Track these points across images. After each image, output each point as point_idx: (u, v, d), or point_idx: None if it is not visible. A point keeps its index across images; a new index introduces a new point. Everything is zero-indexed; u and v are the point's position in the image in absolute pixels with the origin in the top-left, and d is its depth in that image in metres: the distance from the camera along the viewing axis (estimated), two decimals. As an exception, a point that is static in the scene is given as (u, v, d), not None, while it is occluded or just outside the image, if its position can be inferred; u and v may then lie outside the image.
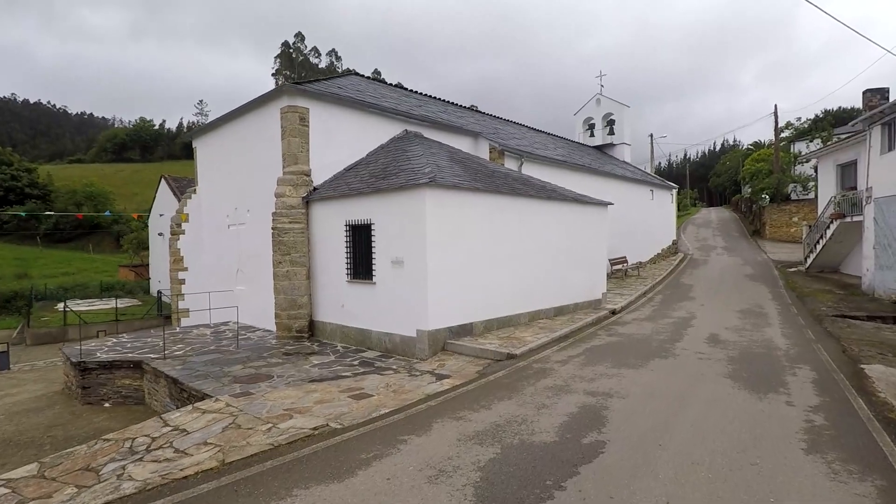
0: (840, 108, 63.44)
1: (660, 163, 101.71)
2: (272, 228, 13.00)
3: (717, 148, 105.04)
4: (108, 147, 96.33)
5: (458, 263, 11.00)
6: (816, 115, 49.06)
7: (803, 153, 32.17)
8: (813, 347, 10.22)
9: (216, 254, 16.74)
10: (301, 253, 12.92)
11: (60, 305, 27.95)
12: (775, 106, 36.23)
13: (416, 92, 19.53)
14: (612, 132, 31.09)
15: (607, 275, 22.70)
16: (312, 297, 13.15)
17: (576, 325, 12.51)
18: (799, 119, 44.77)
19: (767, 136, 68.18)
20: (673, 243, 31.14)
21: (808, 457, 5.14)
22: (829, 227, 20.56)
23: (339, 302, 12.40)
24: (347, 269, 12.10)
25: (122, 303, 26.82)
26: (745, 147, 74.18)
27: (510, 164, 17.94)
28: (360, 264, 11.82)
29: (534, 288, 13.10)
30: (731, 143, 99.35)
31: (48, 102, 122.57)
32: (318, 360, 10.60)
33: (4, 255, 48.22)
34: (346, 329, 12.21)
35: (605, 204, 15.91)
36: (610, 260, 22.56)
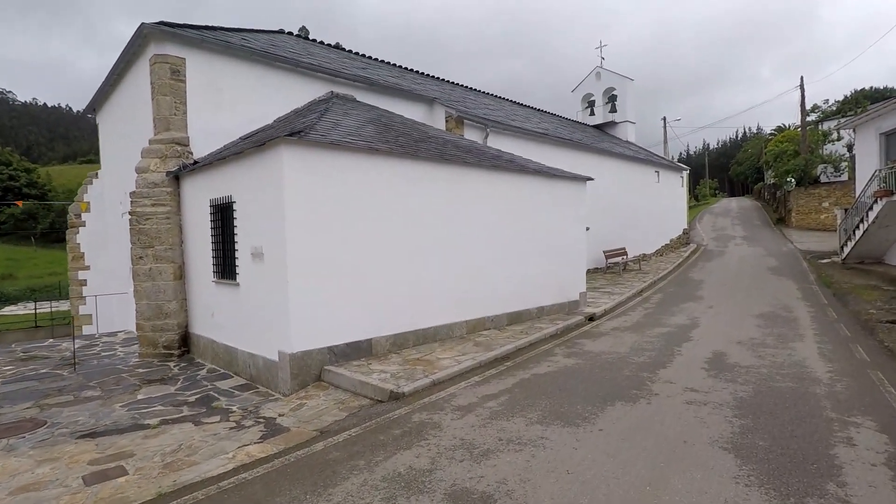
0: (872, 87, 57.75)
1: (680, 153, 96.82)
2: (129, 213, 9.77)
3: (739, 136, 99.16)
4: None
5: (349, 256, 7.61)
6: (845, 97, 43.90)
7: (834, 127, 27.73)
8: (871, 379, 6.52)
9: (118, 249, 13.65)
10: (168, 245, 9.66)
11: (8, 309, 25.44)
12: (801, 79, 31.73)
13: (363, 55, 16.11)
14: (613, 109, 27.19)
15: (601, 270, 19.04)
16: (188, 303, 9.90)
17: (528, 338, 8.98)
18: (826, 101, 39.91)
19: (791, 120, 62.86)
20: (684, 233, 27.12)
21: None
22: (871, 208, 16.46)
23: (210, 310, 9.12)
24: (214, 264, 8.81)
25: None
26: (767, 134, 68.81)
27: (472, 135, 14.41)
28: (226, 258, 8.51)
29: (475, 288, 9.60)
30: (754, 130, 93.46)
31: (66, 106, 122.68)
32: (149, 394, 7.35)
33: (-4, 255, 46.62)
34: (215, 346, 8.93)
35: (582, 179, 12.27)
36: (605, 252, 18.86)
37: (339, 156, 7.55)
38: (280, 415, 6.19)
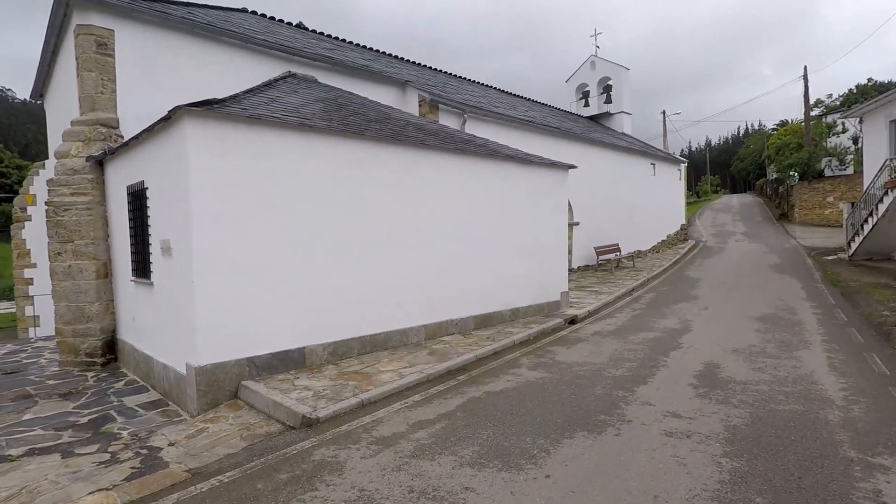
0: (876, 81, 56.11)
1: (682, 149, 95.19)
2: (45, 204, 8.62)
3: (740, 133, 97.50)
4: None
5: (279, 251, 6.45)
6: (849, 91, 42.35)
7: (839, 117, 26.35)
8: (894, 398, 5.31)
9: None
10: (90, 239, 8.50)
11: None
12: (804, 68, 30.33)
13: (331, 36, 14.87)
14: (609, 100, 25.90)
15: (593, 267, 17.83)
16: (115, 305, 8.74)
17: (492, 346, 7.79)
18: (830, 96, 38.44)
19: (793, 115, 61.27)
20: (682, 228, 25.84)
21: None
22: (881, 200, 15.20)
23: (132, 312, 7.97)
24: (132, 261, 7.65)
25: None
26: (769, 129, 67.26)
27: (449, 121, 13.20)
28: (141, 252, 7.34)
29: (437, 288, 8.42)
30: (756, 126, 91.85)
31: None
32: (39, 413, 6.21)
33: (-17, 252, 45.59)
34: (136, 355, 7.77)
35: (563, 167, 11.04)
36: (596, 249, 17.64)
37: (264, 133, 6.36)
38: (171, 444, 5.03)
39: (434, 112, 13.12)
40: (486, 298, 9.30)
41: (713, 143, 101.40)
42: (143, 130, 6.69)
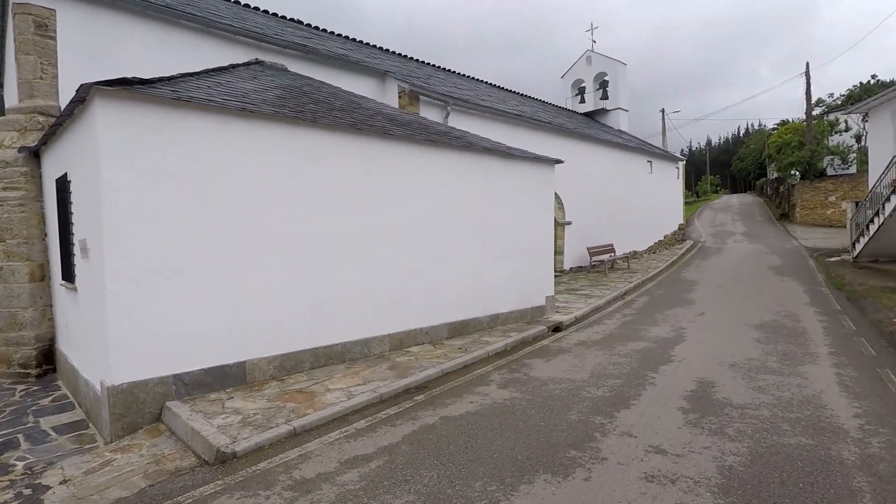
0: (878, 80, 55.11)
1: (682, 149, 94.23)
2: (-26, 199, 7.82)
3: (741, 132, 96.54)
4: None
5: (216, 252, 5.67)
6: (850, 90, 41.25)
7: (843, 113, 25.47)
8: (919, 428, 4.50)
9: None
10: (23, 238, 7.71)
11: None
12: (807, 65, 29.48)
13: (308, 24, 13.99)
14: (605, 96, 25.05)
15: (585, 268, 17.01)
16: (53, 311, 7.94)
17: (462, 359, 6.97)
18: (831, 95, 37.37)
19: (794, 114, 60.34)
20: (679, 228, 25.00)
21: None
22: (888, 199, 14.36)
23: (65, 319, 7.17)
24: (61, 261, 6.85)
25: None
26: (769, 129, 66.31)
27: (431, 113, 12.38)
28: (66, 253, 6.54)
29: (405, 294, 7.61)
30: (756, 126, 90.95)
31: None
32: (-63, 437, 5.40)
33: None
34: (67, 366, 6.97)
35: (549, 161, 10.22)
36: (589, 249, 16.81)
37: (199, 119, 5.56)
38: (64, 481, 4.23)
39: (414, 104, 12.31)
40: (462, 304, 8.49)
41: (713, 143, 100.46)
42: (63, 114, 5.89)
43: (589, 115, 24.89)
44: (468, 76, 18.27)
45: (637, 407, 5.14)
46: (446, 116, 12.76)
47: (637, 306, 11.23)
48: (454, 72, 17.69)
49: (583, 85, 25.69)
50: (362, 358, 7.00)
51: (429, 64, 16.93)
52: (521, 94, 20.39)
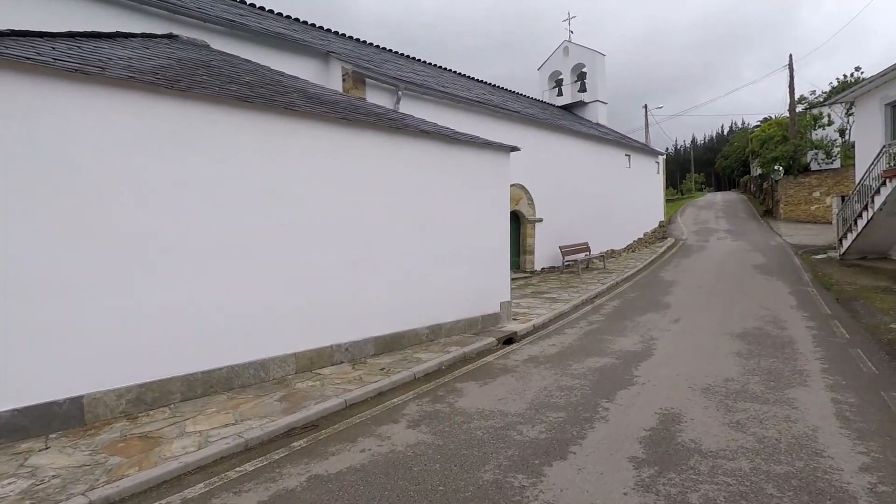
0: (862, 73, 54.59)
1: (667, 147, 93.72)
2: None
3: (725, 131, 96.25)
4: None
5: (38, 252, 4.30)
6: (835, 82, 40.36)
7: (829, 102, 24.47)
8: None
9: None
10: None
11: None
12: (790, 57, 28.49)
13: (244, 1, 12.52)
14: (583, 88, 23.86)
15: (558, 269, 15.78)
16: None
17: (379, 384, 5.65)
18: (813, 92, 36.45)
19: (777, 111, 59.75)
20: (660, 226, 23.88)
21: None
22: (878, 192, 13.29)
23: None
24: None
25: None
26: (752, 126, 65.75)
27: (379, 98, 11.04)
28: None
29: (317, 304, 6.27)
30: (740, 124, 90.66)
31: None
32: None
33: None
34: None
35: (503, 148, 8.93)
36: (561, 248, 15.57)
37: (13, 82, 4.18)
38: None
39: (360, 87, 10.97)
40: (395, 314, 7.17)
41: (699, 142, 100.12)
42: None
43: (566, 108, 23.70)
44: (433, 64, 16.92)
45: (576, 456, 3.85)
46: (397, 102, 11.43)
47: (606, 311, 9.99)
48: (416, 59, 16.33)
49: (560, 77, 24.50)
50: (256, 384, 5.66)
51: (388, 50, 15.57)
52: (491, 84, 19.08)
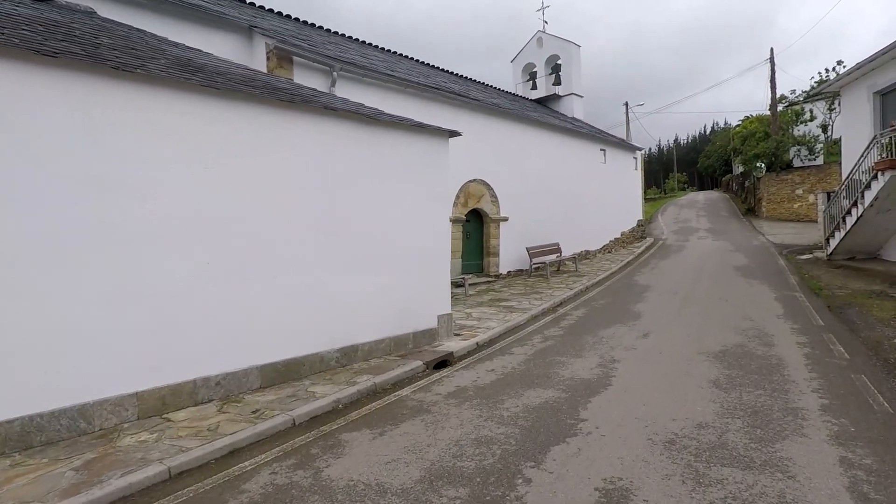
0: (844, 67, 54.06)
1: (650, 147, 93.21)
2: None
3: (707, 131, 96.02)
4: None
5: None
6: (816, 79, 39.53)
7: (813, 92, 23.41)
8: None
9: None
10: None
11: None
12: (771, 51, 27.52)
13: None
14: (557, 81, 22.55)
15: (526, 272, 14.39)
16: None
17: (233, 437, 4.16)
18: (793, 91, 35.54)
19: (760, 111, 59.05)
20: (639, 225, 22.64)
21: None
22: (868, 186, 12.08)
23: None
24: None
25: None
26: (734, 126, 65.19)
27: (311, 80, 9.54)
28: None
29: (169, 326, 4.76)
30: (722, 124, 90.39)
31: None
32: None
33: None
34: None
35: (441, 133, 7.48)
36: (529, 250, 14.19)
37: None
38: None
39: (286, 66, 9.47)
40: (292, 334, 5.69)
41: (682, 142, 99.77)
42: None
43: (540, 101, 22.36)
44: (391, 51, 15.38)
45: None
46: (332, 84, 9.94)
47: (568, 323, 8.59)
48: (370, 44, 14.80)
49: (534, 70, 23.17)
50: (69, 438, 4.14)
51: (336, 33, 14.01)
52: (455, 74, 17.62)
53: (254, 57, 9.71)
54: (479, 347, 7.20)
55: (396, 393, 5.37)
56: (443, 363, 6.53)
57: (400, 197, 6.86)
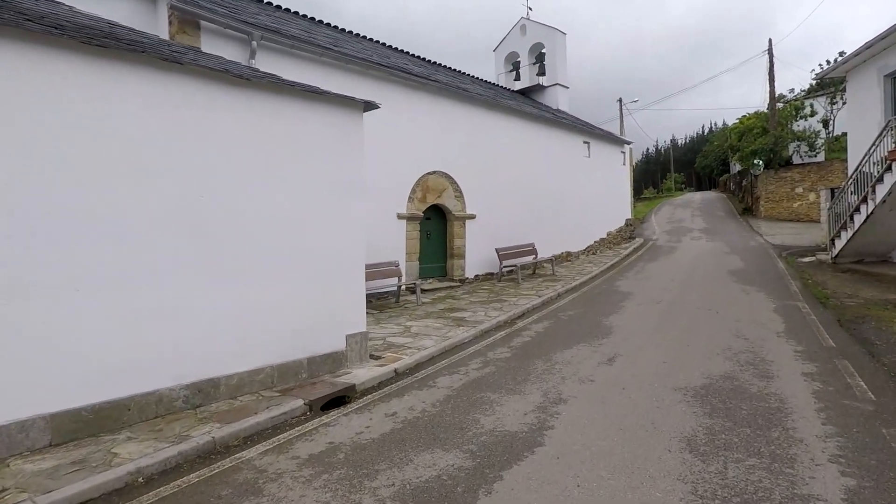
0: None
1: (647, 148, 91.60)
2: None
3: (705, 131, 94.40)
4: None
5: None
6: (812, 85, 37.88)
7: (816, 76, 21.78)
8: None
9: None
10: None
11: None
12: (769, 41, 25.93)
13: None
14: (542, 71, 20.96)
15: (497, 276, 12.80)
16: None
17: None
18: (792, 90, 33.87)
19: (757, 109, 57.42)
20: (627, 224, 21.01)
21: None
22: (881, 180, 10.48)
23: None
24: None
25: None
26: (732, 125, 63.57)
27: (224, 49, 7.94)
28: None
29: None
30: (720, 125, 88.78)
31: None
32: None
33: None
34: None
35: (355, 105, 5.86)
36: (499, 251, 12.60)
37: None
38: None
39: (191, 32, 7.88)
40: (114, 369, 4.09)
41: (679, 143, 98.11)
42: None
43: (523, 92, 20.76)
44: (341, 28, 13.61)
45: None
46: (251, 56, 8.35)
47: (521, 342, 6.99)
48: (319, 20, 13.09)
49: (517, 59, 21.56)
50: None
51: (277, 6, 12.25)
52: (421, 58, 15.92)
53: (158, 22, 8.15)
54: (398, 376, 5.60)
55: (239, 455, 3.77)
56: (339, 400, 4.93)
57: (293, 183, 5.27)
